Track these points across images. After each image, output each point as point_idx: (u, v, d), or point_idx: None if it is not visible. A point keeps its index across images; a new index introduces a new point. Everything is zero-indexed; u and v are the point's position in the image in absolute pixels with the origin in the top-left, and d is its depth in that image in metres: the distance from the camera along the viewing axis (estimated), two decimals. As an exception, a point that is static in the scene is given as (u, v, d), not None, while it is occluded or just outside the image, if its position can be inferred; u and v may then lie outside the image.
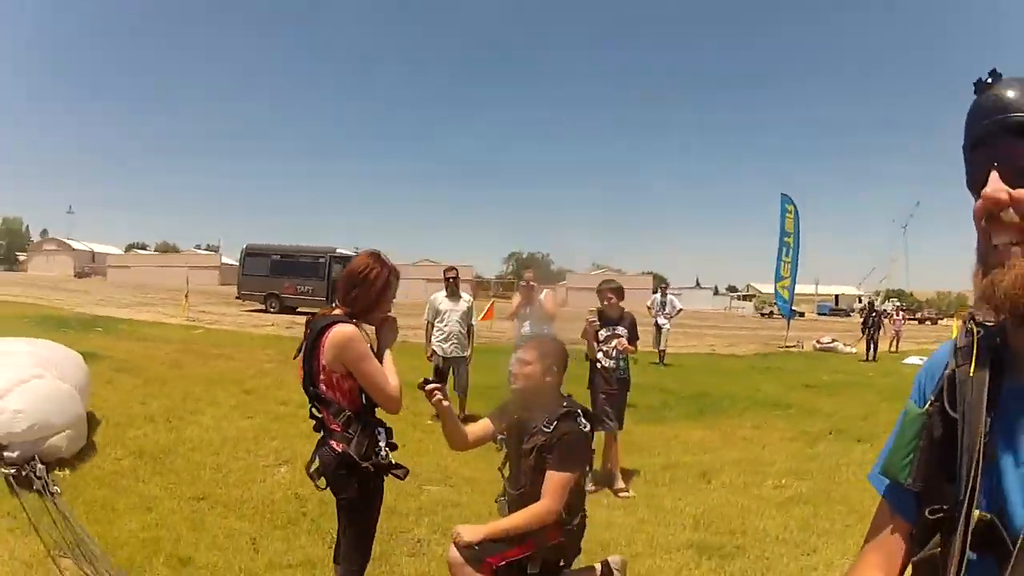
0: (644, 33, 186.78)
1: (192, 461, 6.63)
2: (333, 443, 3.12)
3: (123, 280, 62.18)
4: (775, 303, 34.29)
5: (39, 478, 5.39)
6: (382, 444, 3.12)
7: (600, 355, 7.00)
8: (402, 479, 3.27)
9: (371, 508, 3.25)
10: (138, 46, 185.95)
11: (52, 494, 5.21)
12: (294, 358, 3.27)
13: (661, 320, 17.94)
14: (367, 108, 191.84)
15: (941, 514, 1.09)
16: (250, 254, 36.28)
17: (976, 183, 1.11)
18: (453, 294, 9.31)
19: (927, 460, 1.15)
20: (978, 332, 1.15)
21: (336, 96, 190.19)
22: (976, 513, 1.01)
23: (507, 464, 3.34)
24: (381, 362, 3.17)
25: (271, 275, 35.22)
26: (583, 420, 3.13)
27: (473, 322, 9.60)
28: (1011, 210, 1.06)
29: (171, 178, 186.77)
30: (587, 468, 3.25)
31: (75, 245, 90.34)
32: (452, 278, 9.37)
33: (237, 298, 35.90)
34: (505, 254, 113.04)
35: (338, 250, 34.91)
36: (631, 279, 55.96)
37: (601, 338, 7.02)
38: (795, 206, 24.35)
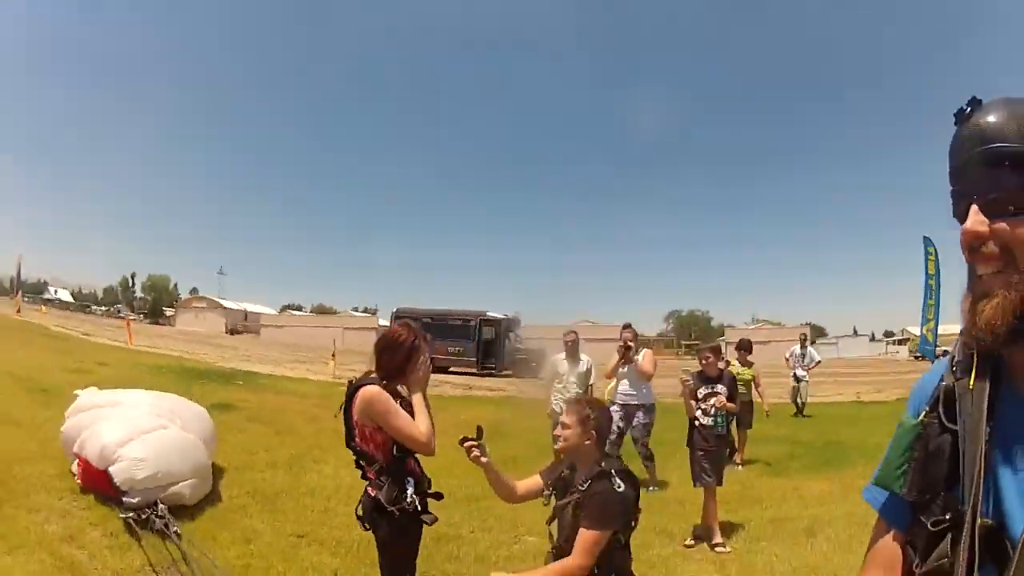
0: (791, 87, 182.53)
1: (302, 504, 7.16)
2: (369, 489, 3.68)
3: (276, 339, 64.26)
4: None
5: (160, 517, 5.87)
6: (410, 492, 3.56)
7: (699, 413, 7.18)
8: (428, 524, 3.71)
9: (403, 548, 3.72)
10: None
11: (174, 534, 5.65)
12: (335, 416, 3.87)
13: (800, 372, 17.53)
14: (532, 170, 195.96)
15: (946, 524, 1.15)
16: (399, 317, 38.30)
17: (960, 214, 1.19)
18: (572, 356, 9.84)
19: (921, 470, 1.23)
20: (973, 356, 1.23)
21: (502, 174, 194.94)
22: (979, 520, 1.08)
23: (554, 520, 3.54)
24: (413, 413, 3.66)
25: None
26: (617, 480, 3.23)
27: (592, 382, 9.97)
28: (991, 242, 1.13)
29: (329, 245, 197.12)
30: (626, 526, 3.30)
31: (226, 304, 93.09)
32: (570, 342, 9.94)
33: None
34: (665, 312, 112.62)
35: (488, 313, 36.30)
36: (788, 331, 54.82)
37: (700, 396, 7.20)
38: (935, 249, 23.72)
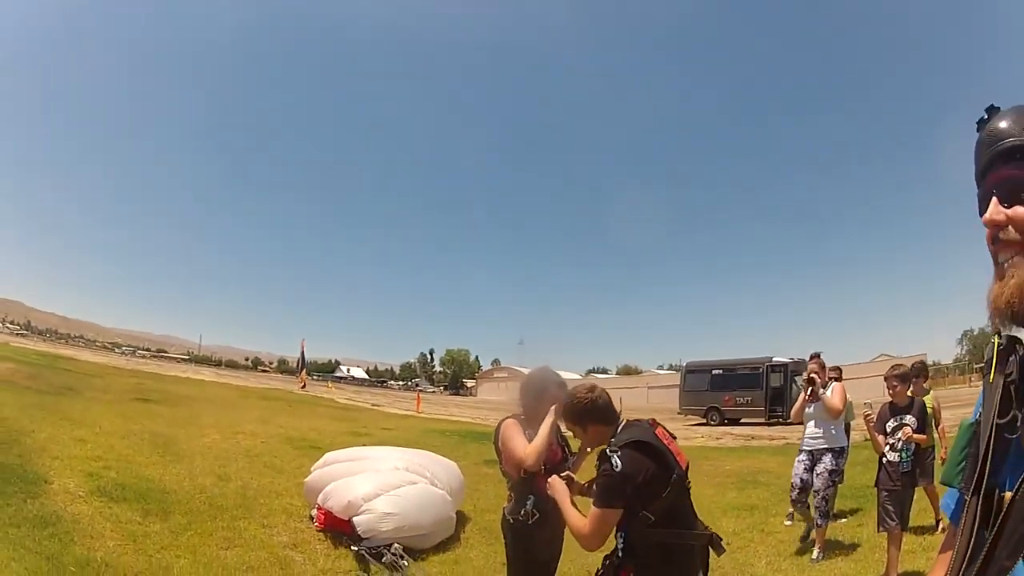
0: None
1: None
2: (505, 502, 4.47)
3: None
4: None
5: (393, 554, 6.77)
6: (528, 506, 4.22)
7: (887, 449, 6.87)
8: (537, 534, 4.27)
9: (520, 556, 4.40)
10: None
11: (401, 568, 6.61)
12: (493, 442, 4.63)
13: None
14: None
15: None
16: (690, 371, 40.35)
17: (983, 215, 1.33)
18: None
19: (974, 465, 1.32)
20: (1000, 344, 1.32)
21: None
22: (1007, 494, 1.19)
23: None
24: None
25: (710, 389, 38.09)
26: (615, 459, 3.24)
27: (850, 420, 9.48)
28: (1010, 228, 1.27)
29: (630, 307, 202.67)
30: (645, 500, 3.24)
31: (527, 372, 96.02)
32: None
33: (679, 413, 38.78)
34: (959, 333, 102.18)
35: (774, 359, 35.86)
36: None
37: (888, 430, 6.91)
38: None
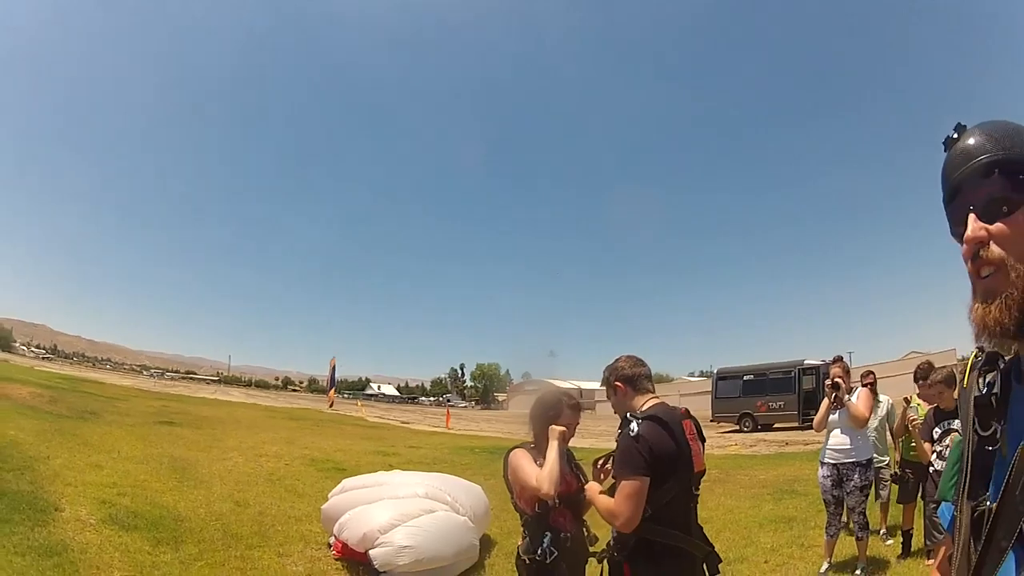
0: None
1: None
2: (520, 540, 4.11)
3: (609, 413, 66.81)
4: None
5: None
6: (545, 544, 3.87)
7: (934, 457, 6.46)
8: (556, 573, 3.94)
9: None
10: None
11: None
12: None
13: None
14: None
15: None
16: (721, 378, 40.17)
17: (958, 232, 1.34)
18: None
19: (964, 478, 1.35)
20: (977, 357, 1.39)
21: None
22: (994, 507, 1.21)
23: None
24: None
25: (742, 395, 37.71)
26: (632, 425, 3.28)
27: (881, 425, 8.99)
28: (992, 244, 1.27)
29: (663, 314, 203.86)
30: (657, 476, 3.22)
31: (558, 383, 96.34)
32: (870, 384, 8.48)
33: (712, 420, 38.13)
34: None
35: (806, 362, 35.39)
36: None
37: (935, 436, 6.49)
38: None
